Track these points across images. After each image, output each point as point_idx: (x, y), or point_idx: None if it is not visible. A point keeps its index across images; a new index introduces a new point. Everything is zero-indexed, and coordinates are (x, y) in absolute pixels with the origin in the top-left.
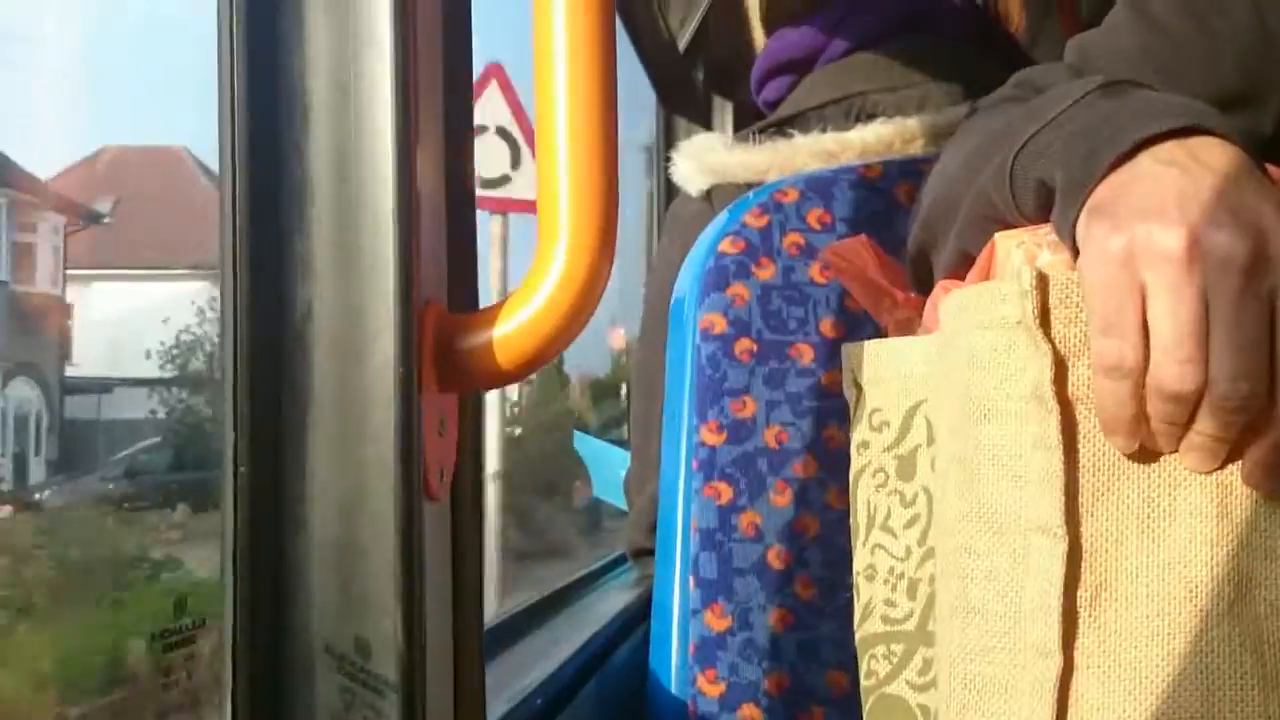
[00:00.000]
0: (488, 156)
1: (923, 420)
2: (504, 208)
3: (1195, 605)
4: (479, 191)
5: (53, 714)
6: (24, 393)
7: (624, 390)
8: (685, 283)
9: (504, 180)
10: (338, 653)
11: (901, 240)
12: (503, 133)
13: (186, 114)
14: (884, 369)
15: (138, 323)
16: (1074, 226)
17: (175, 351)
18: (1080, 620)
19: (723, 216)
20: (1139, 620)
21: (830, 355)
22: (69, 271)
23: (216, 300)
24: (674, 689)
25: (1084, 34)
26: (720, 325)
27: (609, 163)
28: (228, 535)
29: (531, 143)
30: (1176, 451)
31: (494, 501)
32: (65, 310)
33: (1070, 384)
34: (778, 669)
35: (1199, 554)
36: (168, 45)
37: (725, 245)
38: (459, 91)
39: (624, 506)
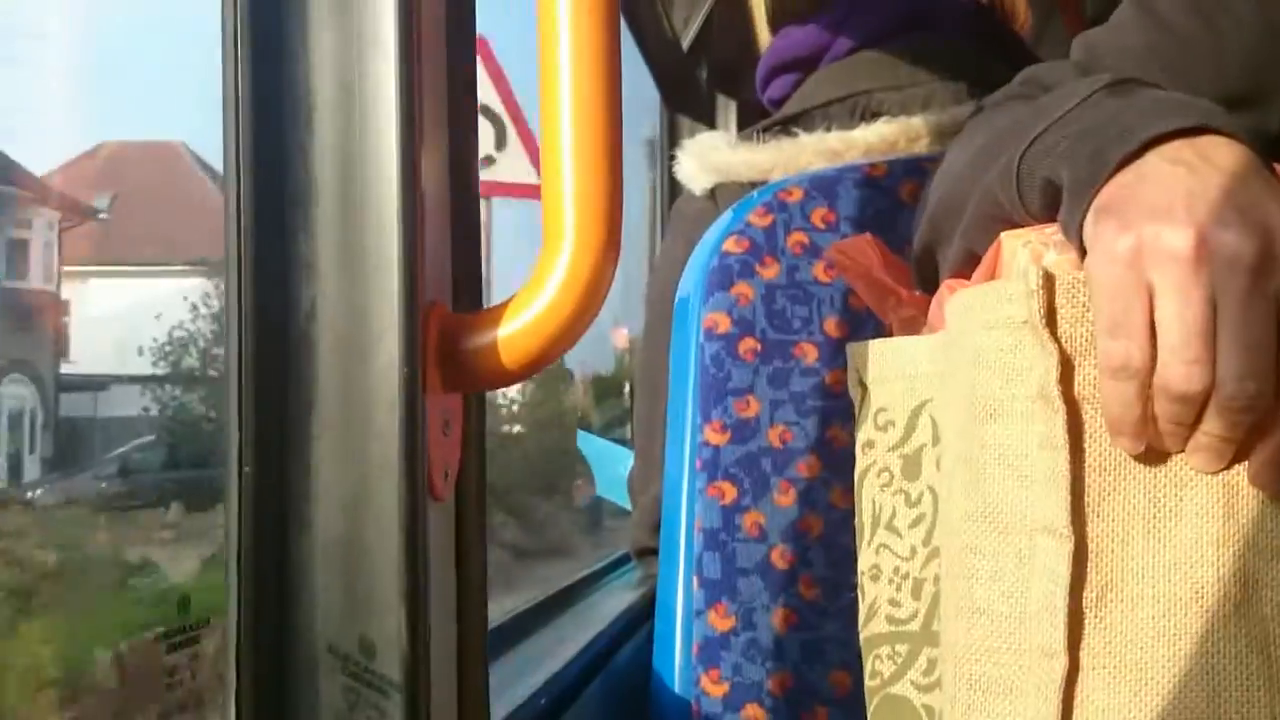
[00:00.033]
0: None
1: (928, 420)
2: (487, 191)
3: (1201, 606)
4: None
5: None
6: (18, 390)
7: (626, 388)
8: (689, 282)
9: (488, 162)
10: (342, 653)
11: (906, 239)
12: (486, 111)
13: (190, 110)
14: (889, 368)
15: (137, 319)
16: (1081, 226)
17: (168, 348)
18: (1086, 621)
19: (727, 215)
20: (1145, 621)
21: (834, 355)
22: (67, 268)
23: (210, 295)
24: (677, 689)
25: (1090, 31)
26: (724, 324)
27: (614, 162)
28: (231, 534)
29: (518, 122)
30: (1183, 451)
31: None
32: (60, 307)
33: (1076, 384)
34: (781, 669)
35: (1205, 554)
36: (168, 42)
37: (729, 244)
38: (463, 92)
39: (627, 506)
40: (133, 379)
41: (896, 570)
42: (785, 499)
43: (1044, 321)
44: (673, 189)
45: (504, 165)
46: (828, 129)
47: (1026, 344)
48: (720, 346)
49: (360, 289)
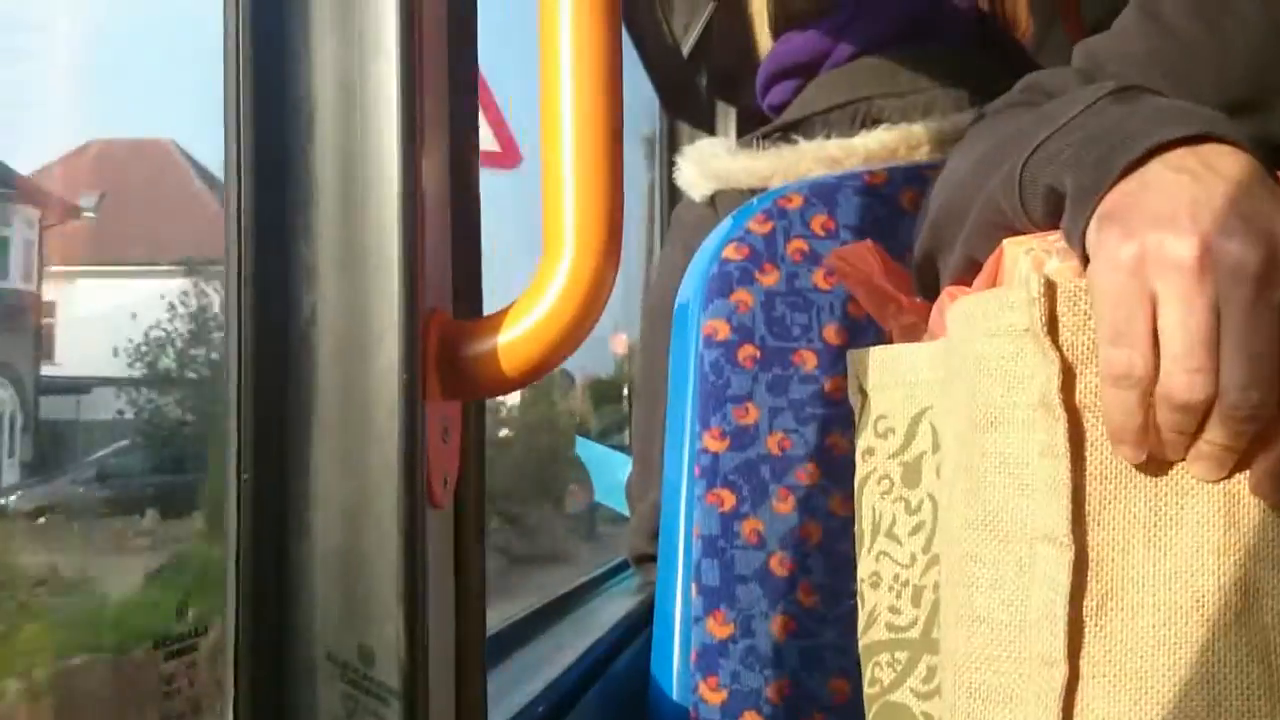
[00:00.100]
0: None
1: (928, 427)
2: None
3: (1202, 614)
4: None
5: None
6: None
7: (625, 391)
8: (689, 288)
9: None
10: (340, 660)
11: (906, 247)
12: None
13: (183, 108)
14: (889, 375)
15: (123, 321)
16: (1084, 233)
17: (144, 349)
18: (1086, 629)
19: (727, 222)
20: (1145, 629)
21: (833, 362)
22: (53, 268)
23: (189, 294)
24: (676, 696)
25: (1092, 38)
26: (724, 331)
27: (614, 169)
28: (230, 540)
29: (487, 103)
30: (1184, 460)
31: None
32: (41, 307)
33: (1078, 392)
34: (780, 676)
35: (1206, 563)
36: (164, 39)
37: (729, 251)
38: (464, 97)
39: (625, 512)
40: (117, 381)
41: (896, 577)
42: (784, 506)
43: (1045, 329)
44: (673, 193)
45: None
46: (828, 136)
47: (1028, 352)
48: (720, 353)
49: (360, 293)
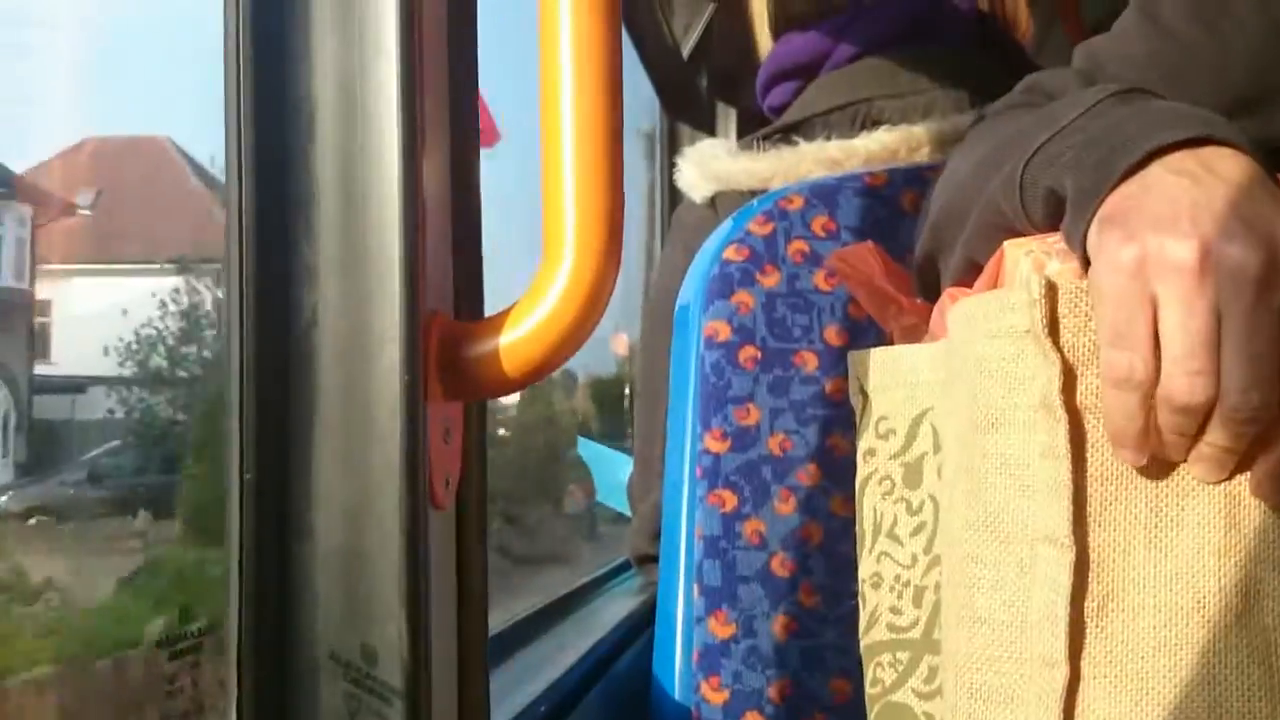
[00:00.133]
0: None
1: (929, 428)
2: None
3: (1203, 616)
4: None
5: None
6: None
7: (626, 391)
8: (690, 290)
9: None
10: (343, 660)
11: (906, 249)
12: None
13: (181, 106)
14: (890, 376)
15: (116, 318)
16: (1084, 236)
17: (135, 347)
18: (1087, 630)
19: (727, 224)
20: (1146, 631)
21: (834, 363)
22: (49, 266)
23: (181, 292)
24: (678, 696)
25: (1092, 40)
26: (725, 333)
27: (615, 171)
28: (233, 541)
29: None
30: (1185, 462)
31: None
32: (35, 305)
33: (1079, 393)
34: (781, 676)
35: (1207, 564)
36: (168, 38)
37: (730, 253)
38: (465, 99)
39: (627, 512)
40: (112, 381)
41: (898, 578)
42: (785, 507)
43: (1046, 331)
44: (673, 194)
45: None
46: (828, 137)
47: (1029, 353)
48: (720, 355)
49: (362, 295)
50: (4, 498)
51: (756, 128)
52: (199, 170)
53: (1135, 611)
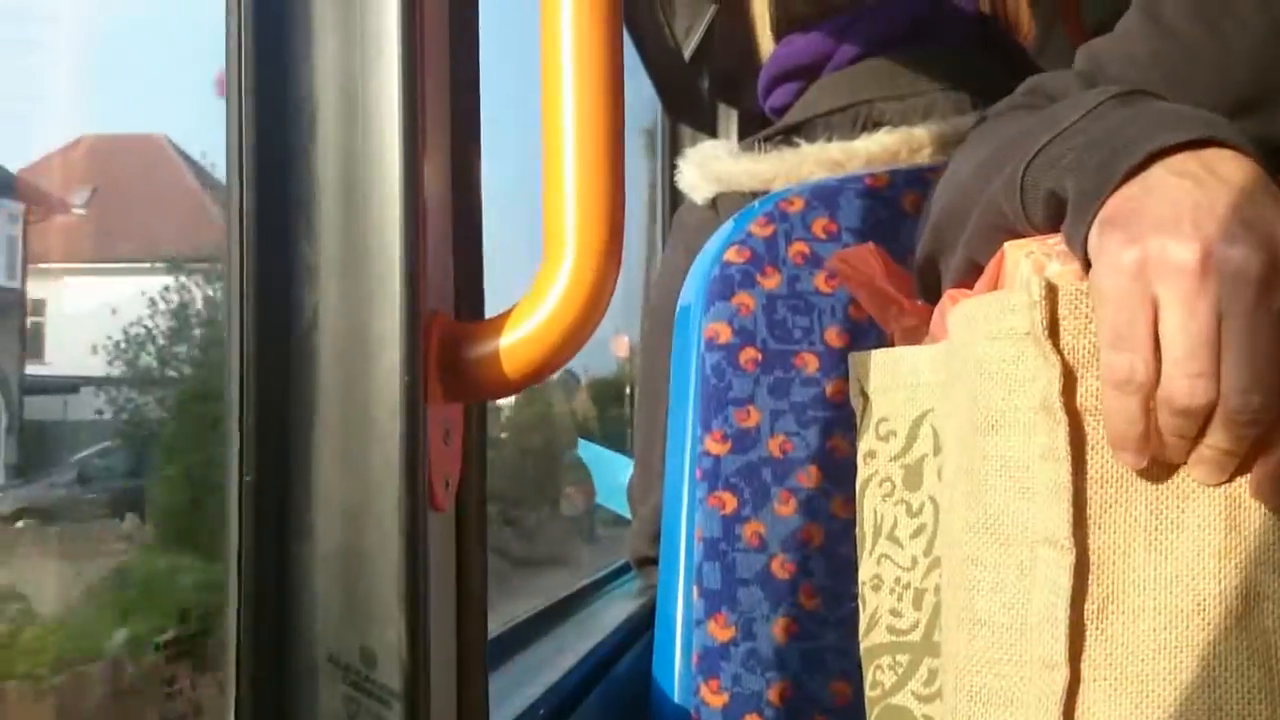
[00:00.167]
0: None
1: (929, 430)
2: None
3: (1203, 618)
4: None
5: None
6: None
7: (626, 392)
8: (690, 291)
9: None
10: (342, 662)
11: (907, 250)
12: None
13: (179, 103)
14: (891, 378)
15: (106, 318)
16: (1085, 238)
17: (123, 346)
18: (1087, 633)
19: (728, 225)
20: (1146, 633)
21: (835, 365)
22: (42, 265)
23: (170, 290)
24: (677, 699)
25: (1094, 41)
26: (725, 334)
27: (615, 172)
28: (232, 542)
29: None
30: (1185, 464)
31: None
32: (27, 305)
33: (1079, 395)
34: (781, 679)
35: (1207, 567)
36: (168, 37)
37: (731, 254)
38: (466, 100)
39: (626, 514)
40: (107, 381)
41: (898, 580)
42: (785, 509)
43: (1046, 333)
44: (674, 195)
45: None
46: (829, 139)
47: (1029, 355)
48: (721, 356)
49: (362, 295)
50: None
51: (758, 129)
52: (195, 168)
53: (1135, 614)
